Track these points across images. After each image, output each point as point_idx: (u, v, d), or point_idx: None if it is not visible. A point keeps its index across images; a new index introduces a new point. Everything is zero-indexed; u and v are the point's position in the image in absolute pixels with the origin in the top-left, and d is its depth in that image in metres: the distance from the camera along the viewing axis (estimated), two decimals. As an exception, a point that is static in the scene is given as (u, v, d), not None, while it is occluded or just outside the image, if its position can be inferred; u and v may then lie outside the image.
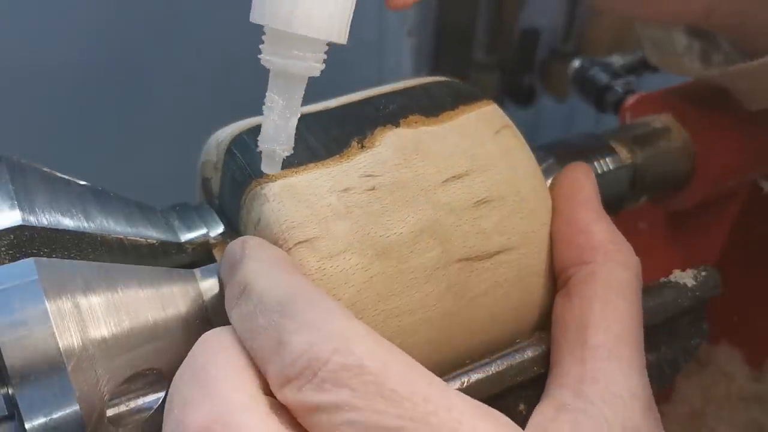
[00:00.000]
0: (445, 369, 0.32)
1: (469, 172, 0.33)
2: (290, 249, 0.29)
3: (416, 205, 0.31)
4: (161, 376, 0.28)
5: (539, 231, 0.33)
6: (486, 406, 0.25)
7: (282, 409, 0.25)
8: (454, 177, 0.32)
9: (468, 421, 0.24)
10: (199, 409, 0.24)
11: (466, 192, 0.32)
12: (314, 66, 0.28)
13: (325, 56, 0.28)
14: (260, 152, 0.29)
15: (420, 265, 0.30)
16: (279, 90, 0.28)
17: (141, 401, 0.28)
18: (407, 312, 0.30)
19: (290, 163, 0.31)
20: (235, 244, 0.29)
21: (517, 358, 0.32)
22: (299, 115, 0.29)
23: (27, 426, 0.25)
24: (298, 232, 0.29)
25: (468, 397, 0.25)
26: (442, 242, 0.31)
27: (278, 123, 0.28)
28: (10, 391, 0.26)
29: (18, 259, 0.28)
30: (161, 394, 0.28)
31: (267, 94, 0.28)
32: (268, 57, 0.28)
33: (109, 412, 0.27)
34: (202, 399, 0.24)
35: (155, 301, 0.29)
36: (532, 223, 0.33)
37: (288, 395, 0.24)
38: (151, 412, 0.28)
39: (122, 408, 0.27)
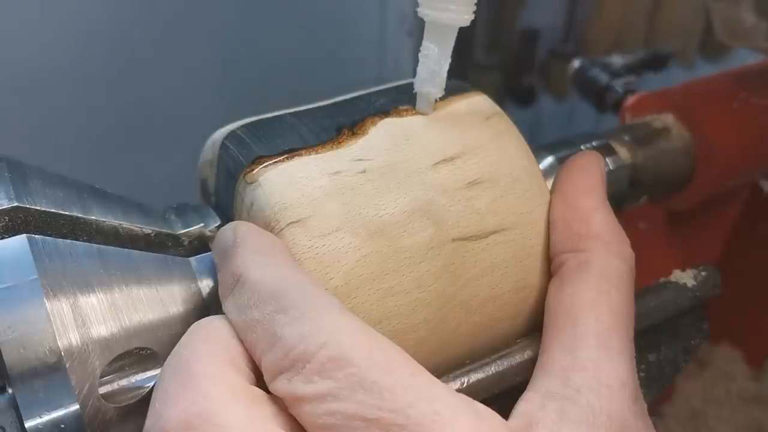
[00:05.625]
0: (447, 354, 0.32)
1: (460, 155, 0.33)
2: (282, 229, 0.29)
3: (408, 186, 0.31)
4: (156, 354, 0.28)
5: (535, 211, 0.33)
6: (471, 399, 0.25)
7: (269, 401, 0.25)
8: (445, 160, 0.32)
9: (448, 412, 0.24)
10: (178, 404, 0.24)
11: (458, 174, 0.32)
12: (465, 18, 0.31)
13: (475, 8, 0.31)
14: (415, 94, 0.33)
15: (414, 244, 0.30)
16: (433, 39, 0.32)
17: (134, 379, 0.28)
18: (402, 292, 0.30)
19: (281, 150, 0.31)
20: (226, 229, 0.29)
21: (517, 358, 0.32)
22: (450, 60, 0.32)
23: (27, 425, 0.25)
24: (290, 212, 0.29)
25: (453, 390, 0.25)
26: (435, 222, 0.31)
27: (433, 68, 0.32)
28: (9, 391, 0.26)
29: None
30: (156, 372, 0.28)
31: (423, 42, 0.32)
32: (426, 11, 0.31)
33: (102, 389, 0.27)
34: (182, 393, 0.24)
35: (155, 300, 0.29)
36: (526, 204, 0.33)
37: (278, 386, 0.25)
38: (146, 390, 0.28)
39: (115, 386, 0.27)
